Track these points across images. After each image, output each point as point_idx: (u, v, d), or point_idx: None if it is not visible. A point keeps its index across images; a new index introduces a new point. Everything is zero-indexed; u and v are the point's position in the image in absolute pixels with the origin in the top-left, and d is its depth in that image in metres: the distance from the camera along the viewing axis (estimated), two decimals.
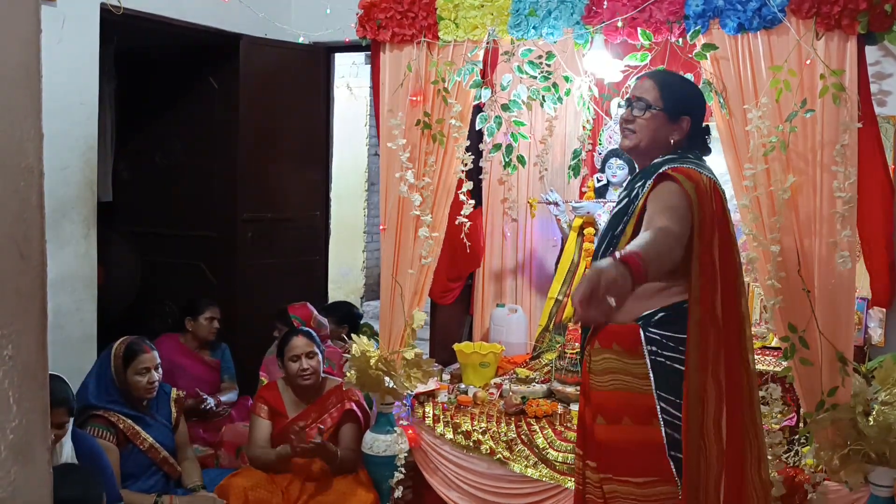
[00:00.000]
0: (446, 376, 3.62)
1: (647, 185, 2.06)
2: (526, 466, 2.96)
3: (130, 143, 4.89)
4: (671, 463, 2.01)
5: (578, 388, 2.61)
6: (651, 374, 2.02)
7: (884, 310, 3.12)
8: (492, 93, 3.12)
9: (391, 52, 3.07)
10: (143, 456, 3.04)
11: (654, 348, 2.03)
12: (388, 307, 3.16)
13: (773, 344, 3.02)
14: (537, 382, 3.41)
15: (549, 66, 3.14)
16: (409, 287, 3.09)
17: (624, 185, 2.28)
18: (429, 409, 3.22)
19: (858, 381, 2.43)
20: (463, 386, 3.45)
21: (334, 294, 5.52)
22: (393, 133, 3.01)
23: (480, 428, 3.07)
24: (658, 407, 2.01)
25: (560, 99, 3.29)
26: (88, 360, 3.50)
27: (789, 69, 2.37)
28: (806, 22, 2.36)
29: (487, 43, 2.93)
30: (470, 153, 3.09)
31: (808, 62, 2.38)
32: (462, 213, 3.15)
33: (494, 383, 3.49)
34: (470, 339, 3.96)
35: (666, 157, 2.13)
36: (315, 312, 4.11)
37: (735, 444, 2.03)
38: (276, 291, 4.44)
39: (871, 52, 2.88)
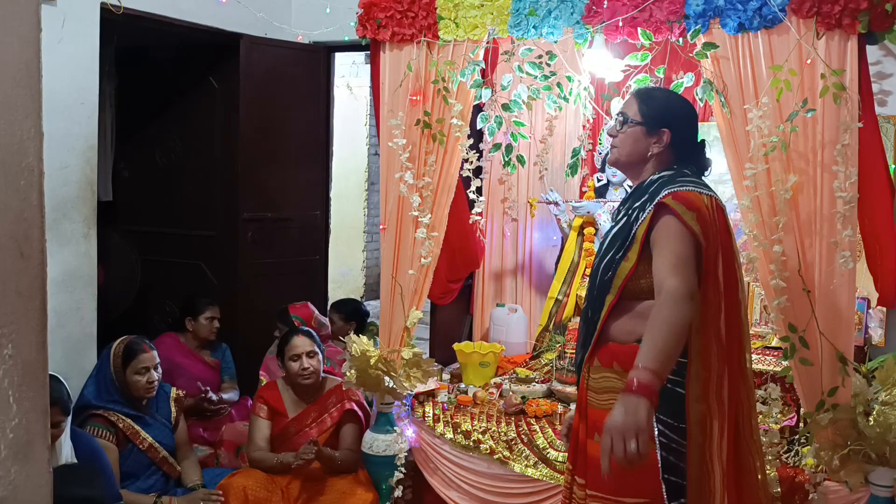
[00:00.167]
0: (446, 376, 3.62)
1: (646, 209, 2.01)
2: (526, 466, 2.95)
3: (130, 143, 4.89)
4: (663, 486, 1.99)
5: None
6: None
7: (884, 309, 3.13)
8: (492, 92, 3.13)
9: (391, 52, 3.07)
10: (142, 455, 3.04)
11: None
12: (388, 307, 3.16)
13: (774, 344, 3.02)
14: (537, 382, 3.42)
15: (549, 66, 3.14)
16: (409, 287, 3.09)
17: (621, 202, 2.22)
18: (429, 408, 3.22)
19: (859, 382, 2.43)
20: (463, 386, 3.45)
21: (334, 294, 5.51)
22: (393, 133, 3.01)
23: (480, 427, 3.07)
24: (656, 429, 1.97)
25: (565, 98, 3.29)
26: (88, 360, 3.50)
27: (790, 69, 2.37)
28: (806, 21, 2.36)
29: (487, 42, 2.93)
30: (474, 150, 3.10)
31: (808, 62, 2.37)
32: (474, 210, 3.19)
33: (494, 383, 3.49)
34: (470, 338, 3.96)
35: (662, 174, 2.08)
36: (316, 312, 4.12)
37: (741, 460, 2.02)
38: (276, 291, 4.44)
39: (872, 52, 2.88)
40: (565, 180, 3.83)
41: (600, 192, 3.73)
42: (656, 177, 2.08)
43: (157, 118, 4.79)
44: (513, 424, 3.05)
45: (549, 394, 3.33)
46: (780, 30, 2.41)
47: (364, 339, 3.20)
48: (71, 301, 3.56)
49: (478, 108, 3.22)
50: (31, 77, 0.85)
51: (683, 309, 1.87)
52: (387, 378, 3.08)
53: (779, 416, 2.67)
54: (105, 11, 3.60)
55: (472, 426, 3.08)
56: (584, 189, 3.88)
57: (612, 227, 2.15)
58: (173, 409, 3.21)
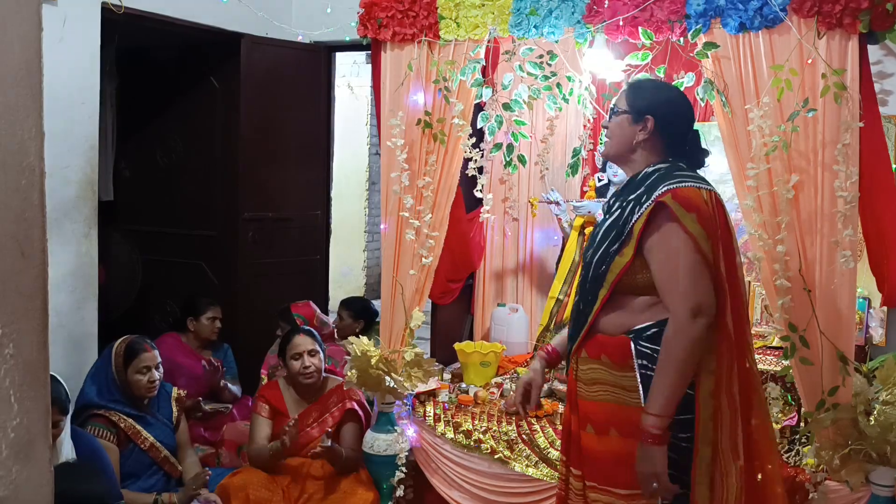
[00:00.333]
0: (447, 376, 3.62)
1: (643, 204, 1.98)
2: (527, 466, 2.96)
3: (131, 143, 4.90)
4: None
5: None
6: (641, 388, 1.98)
7: (885, 309, 3.12)
8: (493, 92, 3.13)
9: (392, 52, 3.07)
10: (143, 455, 3.05)
11: (644, 362, 1.98)
12: (388, 307, 3.16)
13: (775, 343, 3.02)
14: None
15: (551, 65, 3.14)
16: (410, 287, 3.10)
17: (614, 194, 2.19)
18: (430, 408, 3.22)
19: (859, 381, 2.43)
20: (464, 385, 3.45)
21: (335, 294, 5.52)
22: (393, 132, 3.02)
23: (481, 427, 3.07)
24: None
25: (565, 99, 3.29)
26: (89, 359, 3.50)
27: (791, 68, 2.37)
28: (807, 21, 2.36)
29: (488, 42, 2.93)
30: (478, 149, 3.11)
31: (809, 61, 2.37)
32: (483, 208, 3.21)
33: (495, 383, 3.49)
34: (471, 338, 3.96)
35: (657, 167, 2.05)
36: (318, 311, 4.12)
37: (762, 454, 2.02)
38: (277, 291, 4.44)
39: (873, 52, 2.88)
40: (566, 180, 3.83)
41: (601, 192, 3.73)
42: (651, 169, 2.06)
43: (157, 118, 4.80)
44: (514, 424, 3.05)
45: (550, 393, 3.33)
46: (780, 29, 2.41)
47: (364, 339, 3.21)
48: (72, 301, 3.56)
49: (479, 108, 3.22)
50: (31, 76, 0.85)
51: (691, 332, 1.90)
52: (388, 378, 3.08)
53: (779, 415, 2.67)
54: (106, 11, 3.60)
55: (473, 426, 3.08)
56: (584, 189, 3.88)
57: (605, 219, 2.13)
58: (174, 408, 3.21)
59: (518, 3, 2.80)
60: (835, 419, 2.39)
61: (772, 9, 2.39)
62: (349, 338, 3.23)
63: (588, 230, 3.69)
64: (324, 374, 3.31)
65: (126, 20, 3.67)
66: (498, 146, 3.40)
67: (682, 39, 2.63)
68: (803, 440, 2.66)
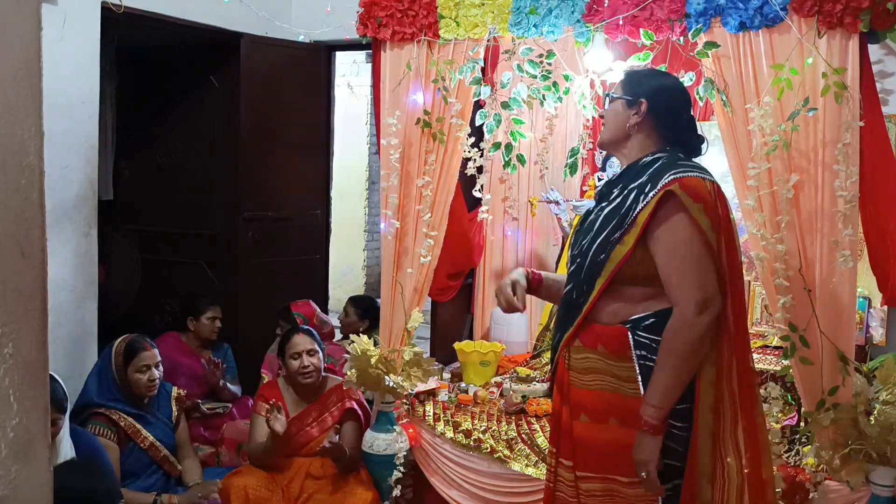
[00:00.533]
0: (447, 375, 3.62)
1: (648, 193, 1.95)
2: (526, 465, 2.96)
3: (131, 142, 4.90)
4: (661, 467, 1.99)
5: None
6: (640, 378, 1.97)
7: (886, 308, 3.12)
8: (492, 91, 3.13)
9: (392, 51, 3.07)
10: (143, 454, 3.05)
11: (643, 352, 1.97)
12: (388, 306, 3.16)
13: (775, 343, 3.02)
14: (538, 381, 3.41)
15: (549, 65, 3.14)
16: (410, 286, 3.09)
17: (608, 182, 2.15)
18: (429, 407, 3.22)
19: (860, 381, 2.43)
20: (463, 385, 3.45)
21: (335, 293, 5.52)
22: (391, 132, 3.02)
23: (481, 427, 3.07)
24: None
25: (560, 98, 3.28)
26: (89, 359, 3.51)
27: (791, 67, 2.37)
28: (808, 20, 2.36)
29: (488, 41, 2.93)
30: (477, 148, 3.10)
31: (810, 61, 2.37)
32: (481, 209, 3.20)
33: (495, 382, 3.49)
34: (470, 337, 3.96)
35: (656, 156, 2.03)
36: (318, 310, 4.12)
37: (755, 450, 2.01)
38: (277, 290, 4.45)
39: (874, 51, 2.87)
40: (563, 180, 3.83)
41: None
42: (650, 158, 2.04)
43: (157, 117, 4.80)
44: (513, 424, 3.05)
45: (550, 393, 3.33)
46: (781, 28, 2.41)
47: (364, 338, 3.21)
48: (72, 300, 3.56)
49: (479, 107, 3.22)
50: (31, 76, 0.85)
51: (698, 327, 1.89)
52: (387, 377, 3.08)
53: (779, 415, 2.67)
54: (106, 10, 3.60)
55: (473, 425, 3.08)
56: (584, 188, 3.88)
57: (602, 207, 2.08)
58: (174, 408, 3.22)
59: (518, 3, 2.80)
60: (835, 419, 2.39)
61: (772, 8, 2.39)
62: (350, 336, 3.23)
63: None
64: (323, 374, 3.31)
65: (126, 20, 3.67)
66: (497, 145, 3.40)
67: (682, 39, 2.62)
68: (803, 440, 2.66)
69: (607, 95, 2.16)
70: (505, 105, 3.12)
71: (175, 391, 3.26)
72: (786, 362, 2.50)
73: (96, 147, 3.67)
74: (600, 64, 3.12)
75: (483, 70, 2.99)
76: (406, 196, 3.09)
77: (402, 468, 3.13)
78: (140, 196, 4.90)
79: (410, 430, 3.19)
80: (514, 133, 3.30)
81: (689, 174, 1.95)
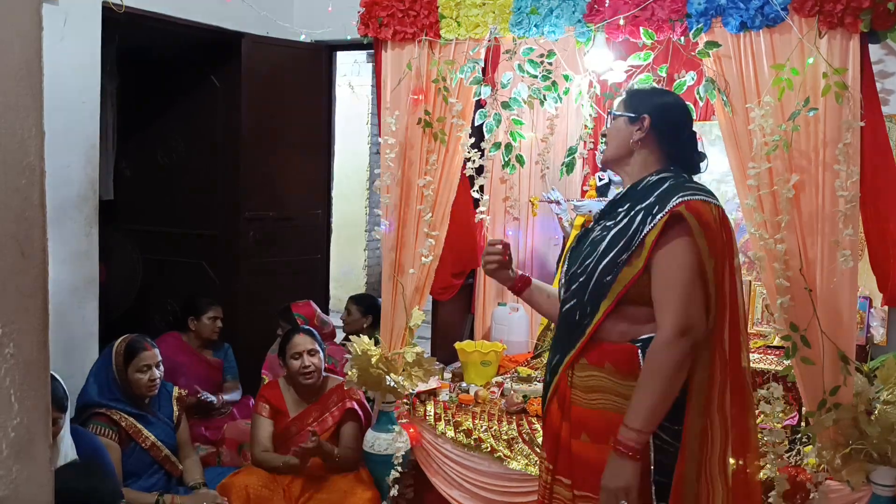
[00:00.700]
0: (448, 375, 3.61)
1: (656, 215, 1.94)
2: (527, 465, 2.95)
3: (132, 142, 4.90)
4: (653, 487, 1.96)
5: None
6: None
7: (886, 308, 3.12)
8: (492, 91, 3.12)
9: (392, 51, 3.07)
10: (144, 454, 3.05)
11: None
12: (389, 306, 3.16)
13: (776, 343, 3.02)
14: (539, 381, 3.41)
15: (549, 64, 3.14)
16: (411, 286, 3.09)
17: (612, 202, 2.13)
18: (430, 407, 3.22)
19: (860, 381, 2.43)
20: (464, 384, 3.45)
21: (336, 293, 5.52)
22: (391, 131, 3.02)
23: (482, 426, 3.07)
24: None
25: (559, 98, 3.28)
26: (90, 359, 3.51)
27: (792, 67, 2.37)
28: (808, 20, 2.36)
29: (489, 41, 2.93)
30: (477, 149, 3.10)
31: (810, 61, 2.37)
32: (479, 209, 3.20)
33: (496, 382, 3.48)
34: (471, 337, 3.95)
35: (661, 175, 2.02)
36: (318, 310, 4.12)
37: (746, 474, 2.00)
38: (278, 290, 4.45)
39: (874, 51, 2.87)
40: (560, 178, 3.82)
41: (602, 191, 3.73)
42: (655, 178, 2.02)
43: (158, 117, 4.80)
44: (514, 423, 3.05)
45: (542, 407, 3.32)
46: (781, 28, 2.41)
47: (365, 338, 3.21)
48: (72, 300, 3.56)
49: (479, 106, 3.21)
50: (32, 76, 0.85)
51: (677, 350, 1.87)
52: (388, 377, 3.09)
53: (780, 415, 2.67)
54: (107, 10, 3.60)
55: (474, 425, 3.08)
56: (585, 188, 3.88)
57: (608, 227, 2.06)
58: (175, 407, 3.22)
59: (519, 2, 2.80)
60: (836, 419, 2.39)
61: (773, 8, 2.38)
62: (350, 337, 3.23)
63: None
64: (324, 374, 3.31)
65: (127, 19, 3.67)
66: (497, 145, 3.40)
67: (682, 38, 2.62)
68: (804, 440, 2.66)
69: (610, 113, 2.15)
70: (505, 105, 3.12)
71: (176, 391, 3.26)
72: (787, 362, 2.50)
73: (97, 147, 3.67)
74: (601, 64, 3.12)
75: (484, 70, 2.99)
76: (407, 196, 3.09)
77: (400, 467, 3.13)
78: (141, 196, 4.90)
79: (411, 430, 3.19)
80: (513, 133, 3.30)
81: (696, 198, 1.94)
